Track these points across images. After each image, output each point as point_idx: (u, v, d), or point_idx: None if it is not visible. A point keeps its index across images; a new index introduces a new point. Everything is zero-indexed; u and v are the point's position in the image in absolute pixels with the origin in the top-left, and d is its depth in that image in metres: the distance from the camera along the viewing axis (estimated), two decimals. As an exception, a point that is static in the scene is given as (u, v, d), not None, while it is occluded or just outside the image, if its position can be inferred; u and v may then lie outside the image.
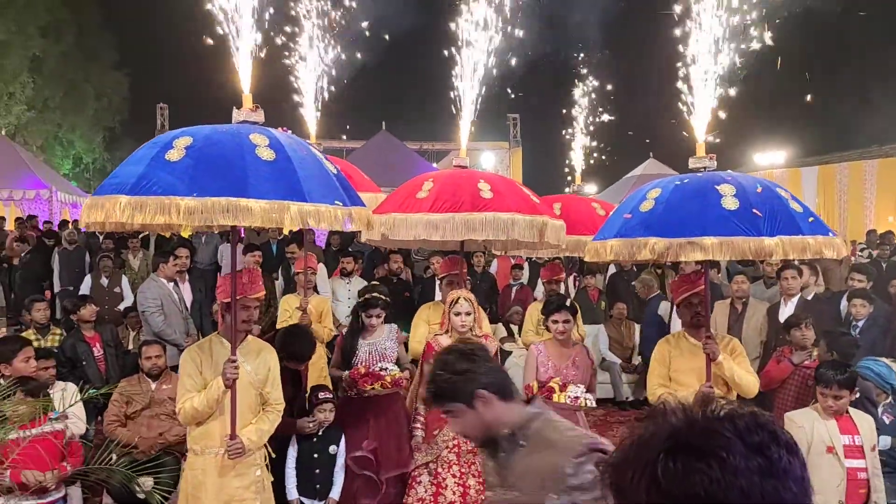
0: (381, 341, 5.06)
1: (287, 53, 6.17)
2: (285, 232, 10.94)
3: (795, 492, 0.98)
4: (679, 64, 4.56)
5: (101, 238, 11.95)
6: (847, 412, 4.21)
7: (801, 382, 5.28)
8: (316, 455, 4.77)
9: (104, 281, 9.36)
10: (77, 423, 4.98)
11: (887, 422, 4.83)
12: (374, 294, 5.05)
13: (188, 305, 7.73)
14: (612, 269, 10.21)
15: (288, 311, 6.36)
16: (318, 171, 3.57)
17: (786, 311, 6.52)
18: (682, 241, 3.76)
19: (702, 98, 4.44)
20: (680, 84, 4.56)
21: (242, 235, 14.15)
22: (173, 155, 3.37)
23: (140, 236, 11.27)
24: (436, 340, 4.87)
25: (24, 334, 6.43)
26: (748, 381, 4.44)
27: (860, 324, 6.56)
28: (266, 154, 3.39)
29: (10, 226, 14.55)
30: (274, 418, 4.12)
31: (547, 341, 4.98)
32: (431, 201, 4.93)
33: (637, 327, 8.74)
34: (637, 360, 8.58)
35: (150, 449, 5.23)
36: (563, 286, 6.97)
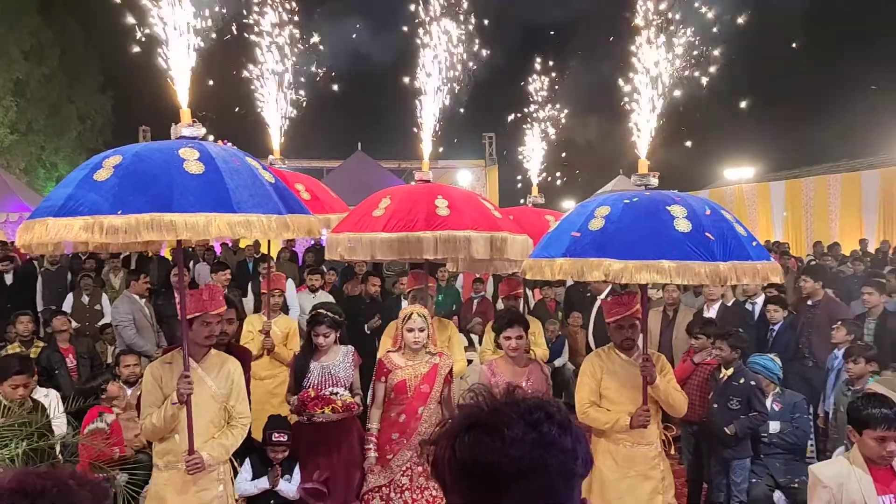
0: (335, 363, 4.76)
1: (250, 70, 6.20)
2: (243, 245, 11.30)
3: (562, 459, 1.19)
4: (629, 77, 4.58)
5: (83, 258, 12.43)
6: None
7: (702, 379, 5.81)
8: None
9: (85, 299, 9.68)
10: (63, 426, 5.45)
11: (777, 409, 5.58)
12: (320, 311, 4.80)
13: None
14: (570, 281, 10.57)
15: (251, 333, 6.10)
16: (252, 182, 3.53)
17: (709, 315, 7.09)
18: (637, 264, 3.68)
19: (644, 114, 4.44)
20: (628, 100, 4.57)
21: (219, 252, 14.67)
22: (101, 174, 3.37)
23: (121, 256, 11.75)
24: (388, 357, 4.72)
25: (9, 347, 6.94)
26: (679, 399, 4.42)
27: (776, 327, 7.21)
28: (194, 168, 3.37)
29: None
30: (238, 433, 4.05)
31: (499, 359, 4.79)
32: (386, 220, 4.84)
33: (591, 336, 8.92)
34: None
35: (129, 448, 5.45)
36: (521, 302, 6.85)
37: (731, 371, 5.56)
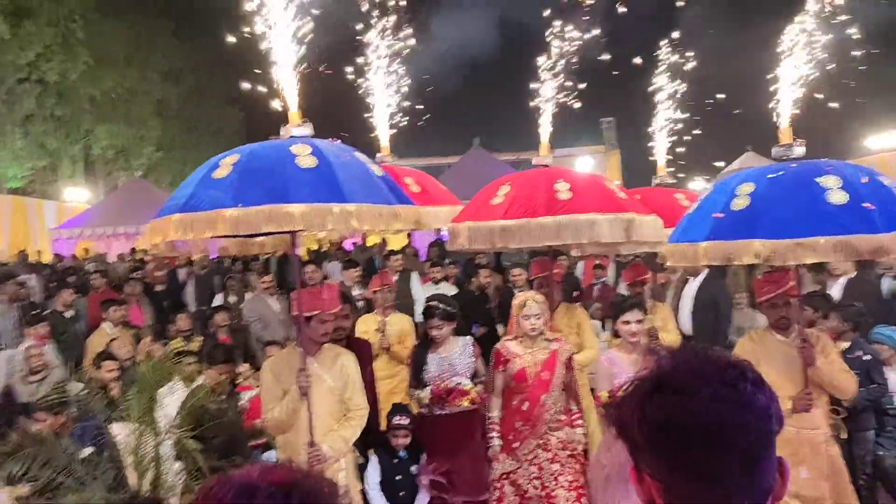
0: (453, 355, 4.73)
1: (356, 70, 6.31)
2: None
3: (759, 416, 1.17)
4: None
5: (228, 263, 13.64)
6: None
7: None
8: (399, 477, 4.66)
9: (232, 299, 10.58)
10: None
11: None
12: (431, 303, 4.79)
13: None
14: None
15: (366, 334, 5.88)
16: (362, 174, 3.63)
17: (833, 291, 6.90)
18: (790, 243, 3.42)
19: (788, 75, 4.10)
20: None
21: (349, 251, 15.46)
22: (219, 173, 3.52)
23: (262, 259, 12.77)
24: (504, 346, 4.64)
25: (172, 342, 7.81)
26: (845, 381, 4.07)
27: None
28: (307, 162, 3.48)
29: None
30: (356, 424, 4.10)
31: (616, 347, 4.58)
32: (506, 207, 4.76)
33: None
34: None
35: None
36: (647, 288, 6.48)
37: (847, 344, 5.40)
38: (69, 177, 27.38)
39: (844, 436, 4.38)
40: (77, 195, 25.83)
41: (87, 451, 4.54)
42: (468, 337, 4.91)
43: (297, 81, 3.95)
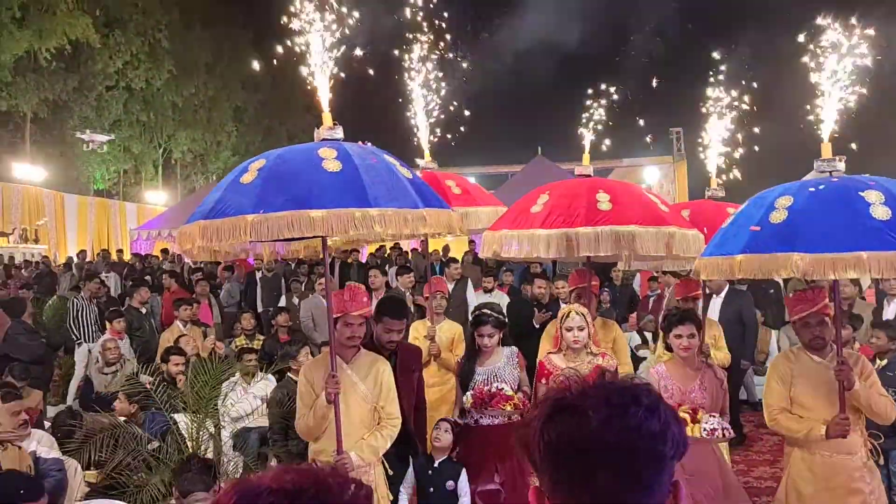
0: (499, 367, 4.63)
1: (405, 76, 6.25)
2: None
3: (649, 442, 1.20)
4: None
5: (292, 266, 14.17)
6: None
7: None
8: (432, 489, 4.46)
9: (295, 300, 11.10)
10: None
11: None
12: (484, 311, 4.70)
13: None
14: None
15: (417, 340, 5.85)
16: (389, 178, 3.54)
17: (889, 310, 6.94)
18: (831, 257, 3.31)
19: (830, 88, 4.03)
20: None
21: (410, 256, 15.79)
22: (247, 178, 3.49)
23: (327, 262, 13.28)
24: (548, 359, 4.54)
25: (236, 340, 8.31)
26: (884, 406, 3.83)
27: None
28: (332, 166, 3.42)
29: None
30: (388, 433, 3.95)
31: (668, 361, 4.35)
32: (545, 216, 4.67)
33: (774, 334, 8.62)
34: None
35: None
36: (700, 304, 6.01)
37: (884, 362, 5.39)
38: (150, 180, 28.76)
39: (882, 462, 4.16)
40: (156, 198, 27.12)
41: (154, 444, 4.95)
42: (513, 347, 4.79)
43: (329, 84, 3.94)
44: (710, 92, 6.69)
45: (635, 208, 4.66)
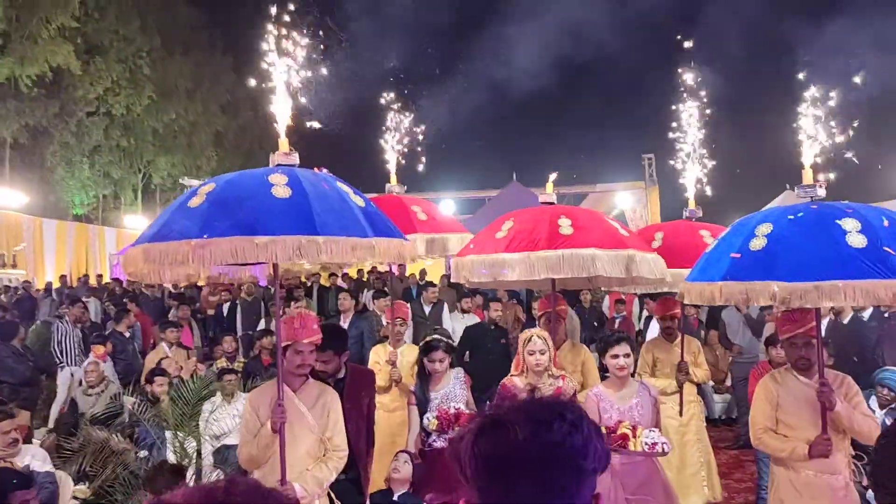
0: (450, 390, 4.74)
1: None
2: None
3: (571, 457, 1.27)
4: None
5: (272, 290, 14.52)
6: None
7: None
8: None
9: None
10: None
11: (888, 422, 5.26)
12: (434, 336, 4.79)
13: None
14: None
15: (378, 364, 5.89)
16: (340, 206, 3.48)
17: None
18: (807, 287, 3.34)
19: (809, 115, 4.08)
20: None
21: (390, 280, 16.06)
22: (195, 201, 3.40)
23: (307, 286, 13.62)
24: (511, 381, 4.62)
25: (217, 362, 8.61)
26: (868, 426, 3.81)
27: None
28: (282, 192, 3.35)
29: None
30: (333, 465, 3.85)
31: (604, 383, 4.52)
32: (508, 241, 4.78)
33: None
34: (728, 381, 9.15)
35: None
36: (677, 322, 6.21)
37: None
38: (129, 205, 28.89)
39: (865, 483, 4.09)
40: (136, 222, 27.18)
41: (143, 453, 5.27)
42: (459, 368, 4.90)
43: (290, 110, 3.95)
44: (680, 107, 6.79)
45: (596, 232, 4.78)
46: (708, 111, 6.80)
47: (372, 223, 3.55)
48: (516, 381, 4.60)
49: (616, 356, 4.33)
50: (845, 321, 7.06)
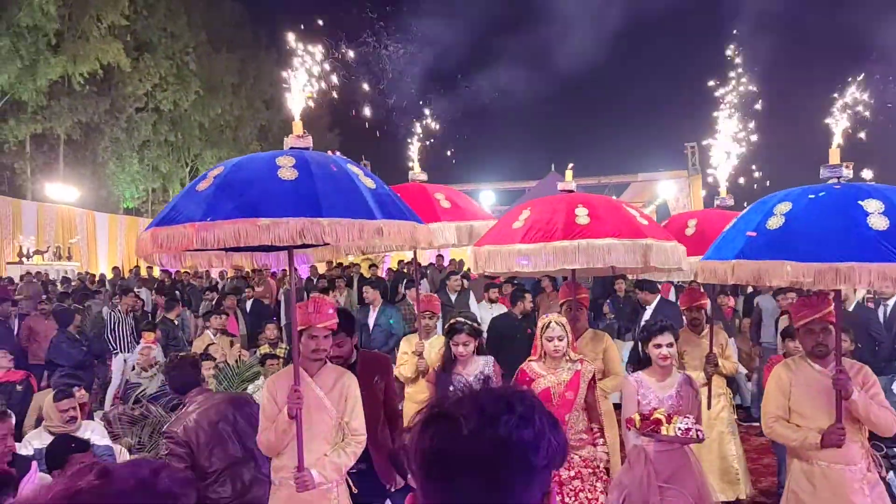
0: (476, 375, 4.62)
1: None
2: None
3: (519, 452, 1.19)
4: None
5: (315, 280, 14.87)
6: None
7: None
8: None
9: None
10: None
11: None
12: (459, 319, 4.72)
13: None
14: (750, 288, 9.94)
15: (406, 355, 5.88)
16: (348, 188, 3.42)
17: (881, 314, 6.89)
18: (822, 267, 3.24)
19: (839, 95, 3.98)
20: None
21: (424, 267, 16.22)
22: (203, 185, 3.38)
23: (346, 277, 13.99)
24: (529, 366, 4.58)
25: (260, 348, 9.01)
26: (885, 418, 3.67)
27: None
28: (288, 174, 3.30)
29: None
30: (352, 450, 3.79)
31: (647, 370, 4.41)
32: (525, 231, 4.73)
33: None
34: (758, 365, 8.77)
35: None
36: (704, 313, 6.19)
37: None
38: (178, 198, 29.64)
39: (885, 474, 4.01)
40: (184, 215, 27.96)
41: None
42: (489, 356, 4.85)
43: (304, 93, 3.91)
44: (719, 92, 6.65)
45: (612, 221, 4.69)
46: (752, 97, 6.80)
47: (382, 205, 3.46)
48: (534, 367, 4.57)
49: (659, 345, 4.25)
50: (850, 308, 6.95)
